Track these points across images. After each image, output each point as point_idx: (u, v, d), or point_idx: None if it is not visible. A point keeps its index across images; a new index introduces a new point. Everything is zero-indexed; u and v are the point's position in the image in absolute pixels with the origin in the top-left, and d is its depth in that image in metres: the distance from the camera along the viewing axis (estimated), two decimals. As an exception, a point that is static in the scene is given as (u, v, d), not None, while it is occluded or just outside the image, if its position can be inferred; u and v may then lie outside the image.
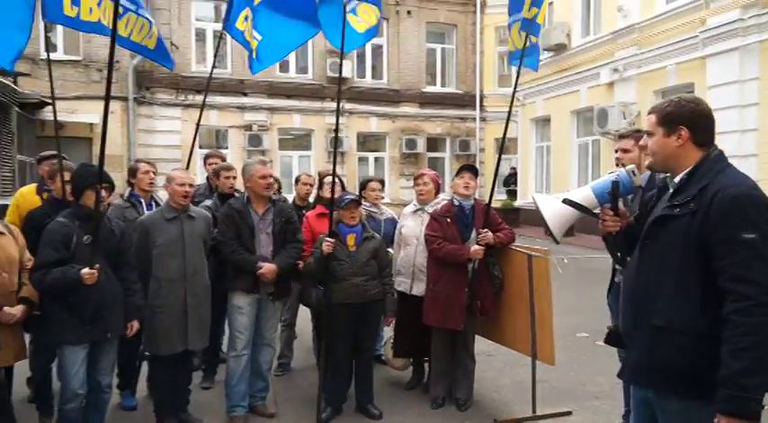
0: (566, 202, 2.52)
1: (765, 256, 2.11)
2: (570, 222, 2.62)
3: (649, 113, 2.45)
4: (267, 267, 4.44)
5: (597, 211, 2.61)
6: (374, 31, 5.37)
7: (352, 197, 4.69)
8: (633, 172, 2.58)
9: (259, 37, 5.73)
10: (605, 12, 15.36)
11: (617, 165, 3.87)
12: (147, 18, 5.24)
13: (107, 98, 3.77)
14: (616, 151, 4.03)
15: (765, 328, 2.08)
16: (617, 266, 3.92)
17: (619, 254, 2.61)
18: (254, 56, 5.68)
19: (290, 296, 5.14)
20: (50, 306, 3.75)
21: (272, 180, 4.60)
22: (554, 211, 2.56)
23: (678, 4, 13.06)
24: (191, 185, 4.44)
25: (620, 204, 2.57)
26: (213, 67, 6.58)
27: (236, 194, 5.07)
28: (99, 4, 4.76)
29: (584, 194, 2.55)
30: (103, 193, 3.81)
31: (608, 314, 4.11)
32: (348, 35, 4.85)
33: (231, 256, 4.47)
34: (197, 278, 4.37)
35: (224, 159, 6.34)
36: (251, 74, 6.38)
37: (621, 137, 4.07)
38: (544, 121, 18.48)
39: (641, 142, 2.49)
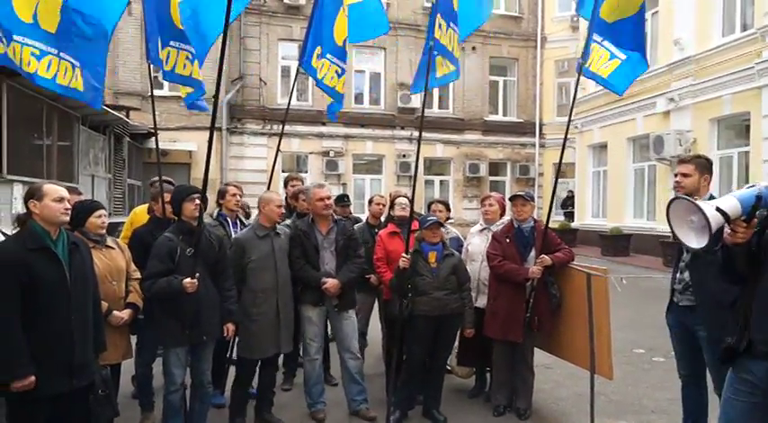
0: (718, 210, 2.45)
1: None
2: (719, 226, 2.54)
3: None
4: (330, 282, 4.51)
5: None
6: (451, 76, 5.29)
7: (435, 219, 4.67)
8: None
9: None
10: (662, 45, 14.88)
11: (675, 188, 3.70)
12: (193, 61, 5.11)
13: (211, 130, 3.88)
14: (675, 175, 3.79)
15: None
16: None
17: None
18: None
19: (357, 307, 5.12)
20: (155, 313, 3.94)
21: (330, 202, 4.63)
22: (713, 215, 2.47)
23: (734, 38, 12.55)
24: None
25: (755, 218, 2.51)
26: (290, 98, 6.69)
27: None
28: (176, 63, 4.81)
29: (732, 204, 2.48)
30: (197, 201, 3.98)
31: (664, 331, 3.93)
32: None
33: (298, 273, 4.55)
34: (287, 288, 4.47)
35: (302, 182, 6.36)
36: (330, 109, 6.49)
37: (682, 161, 3.82)
38: (601, 148, 18.00)
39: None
